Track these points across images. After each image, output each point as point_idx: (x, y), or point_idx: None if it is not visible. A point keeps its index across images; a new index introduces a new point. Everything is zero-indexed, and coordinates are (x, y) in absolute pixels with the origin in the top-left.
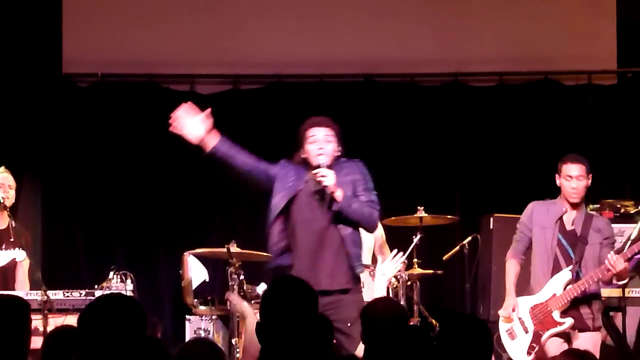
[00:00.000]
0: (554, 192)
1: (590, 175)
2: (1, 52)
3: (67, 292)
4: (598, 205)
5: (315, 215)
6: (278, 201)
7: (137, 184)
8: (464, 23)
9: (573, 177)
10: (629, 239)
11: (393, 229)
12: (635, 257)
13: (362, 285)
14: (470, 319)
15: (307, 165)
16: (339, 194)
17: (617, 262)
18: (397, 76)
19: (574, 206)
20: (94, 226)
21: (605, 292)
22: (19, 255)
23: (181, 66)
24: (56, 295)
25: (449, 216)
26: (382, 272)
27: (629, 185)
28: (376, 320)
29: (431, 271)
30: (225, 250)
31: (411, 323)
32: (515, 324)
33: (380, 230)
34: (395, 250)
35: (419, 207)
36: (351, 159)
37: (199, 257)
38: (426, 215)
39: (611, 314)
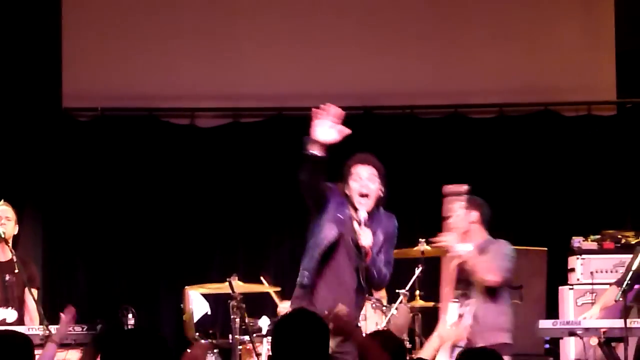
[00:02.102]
0: (555, 222)
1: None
2: (1, 87)
3: (69, 327)
4: (599, 236)
5: (345, 259)
6: (328, 234)
7: (138, 218)
8: (464, 55)
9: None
10: (629, 269)
11: (395, 261)
12: (635, 287)
13: (364, 317)
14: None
15: (349, 201)
16: (370, 254)
17: None
18: (397, 108)
19: None
20: (95, 260)
21: (607, 322)
22: (10, 315)
23: (181, 100)
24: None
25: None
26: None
27: (629, 215)
28: None
29: (432, 303)
30: (227, 284)
31: (414, 356)
32: None
33: None
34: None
35: (420, 239)
36: (388, 211)
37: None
38: (428, 247)
39: (613, 344)
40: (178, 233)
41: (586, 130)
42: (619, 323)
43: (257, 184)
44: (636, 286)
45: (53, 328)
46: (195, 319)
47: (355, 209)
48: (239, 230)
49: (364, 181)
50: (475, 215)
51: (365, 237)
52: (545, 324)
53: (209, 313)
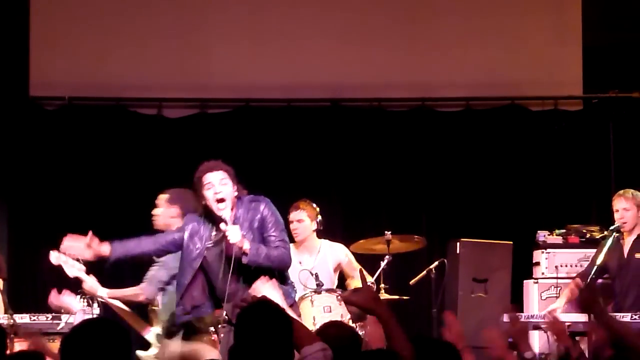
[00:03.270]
0: (520, 216)
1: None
2: None
3: (34, 316)
4: (564, 230)
5: (220, 274)
6: (190, 260)
7: (104, 208)
8: (431, 48)
9: None
10: (594, 263)
11: (361, 253)
12: (598, 281)
13: (329, 309)
14: (442, 344)
15: (208, 213)
16: (246, 247)
17: None
18: (364, 101)
19: None
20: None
21: (572, 317)
22: None
23: (149, 90)
24: (22, 319)
25: (416, 241)
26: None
27: (594, 210)
28: (328, 344)
29: (398, 296)
30: None
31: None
32: None
33: (343, 251)
34: None
35: (386, 232)
36: (256, 196)
37: None
38: (393, 239)
39: (577, 338)
40: (145, 223)
41: (552, 125)
42: (582, 317)
43: None
44: (599, 280)
45: (18, 317)
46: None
47: (218, 216)
48: None
49: (217, 187)
50: (175, 210)
51: (233, 235)
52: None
53: None
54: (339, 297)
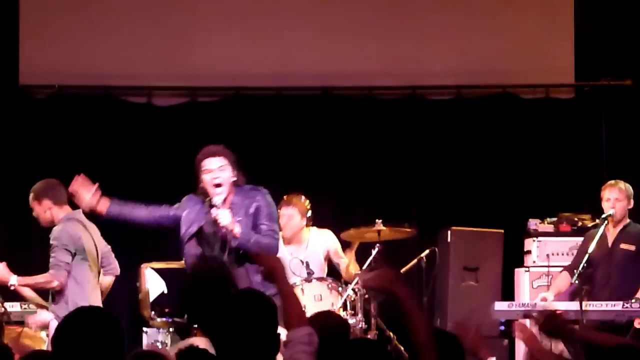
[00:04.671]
0: (512, 204)
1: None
2: None
3: (24, 304)
4: (555, 219)
5: (215, 251)
6: (184, 233)
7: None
8: (422, 36)
9: None
10: (585, 252)
11: (351, 242)
12: (587, 271)
13: (320, 298)
14: (439, 333)
15: (206, 195)
16: (237, 231)
17: None
18: (354, 89)
19: None
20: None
21: (563, 305)
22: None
23: (138, 78)
24: (13, 307)
25: (407, 229)
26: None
27: (585, 198)
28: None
29: None
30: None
31: (369, 336)
32: None
33: (332, 239)
34: None
35: (377, 220)
36: (256, 186)
37: (156, 268)
38: (384, 228)
39: None
40: None
41: (544, 113)
42: (574, 305)
43: None
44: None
45: (8, 305)
46: (152, 298)
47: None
48: None
49: (215, 172)
50: (48, 203)
51: (223, 217)
52: (500, 305)
53: (165, 292)
54: (329, 286)
